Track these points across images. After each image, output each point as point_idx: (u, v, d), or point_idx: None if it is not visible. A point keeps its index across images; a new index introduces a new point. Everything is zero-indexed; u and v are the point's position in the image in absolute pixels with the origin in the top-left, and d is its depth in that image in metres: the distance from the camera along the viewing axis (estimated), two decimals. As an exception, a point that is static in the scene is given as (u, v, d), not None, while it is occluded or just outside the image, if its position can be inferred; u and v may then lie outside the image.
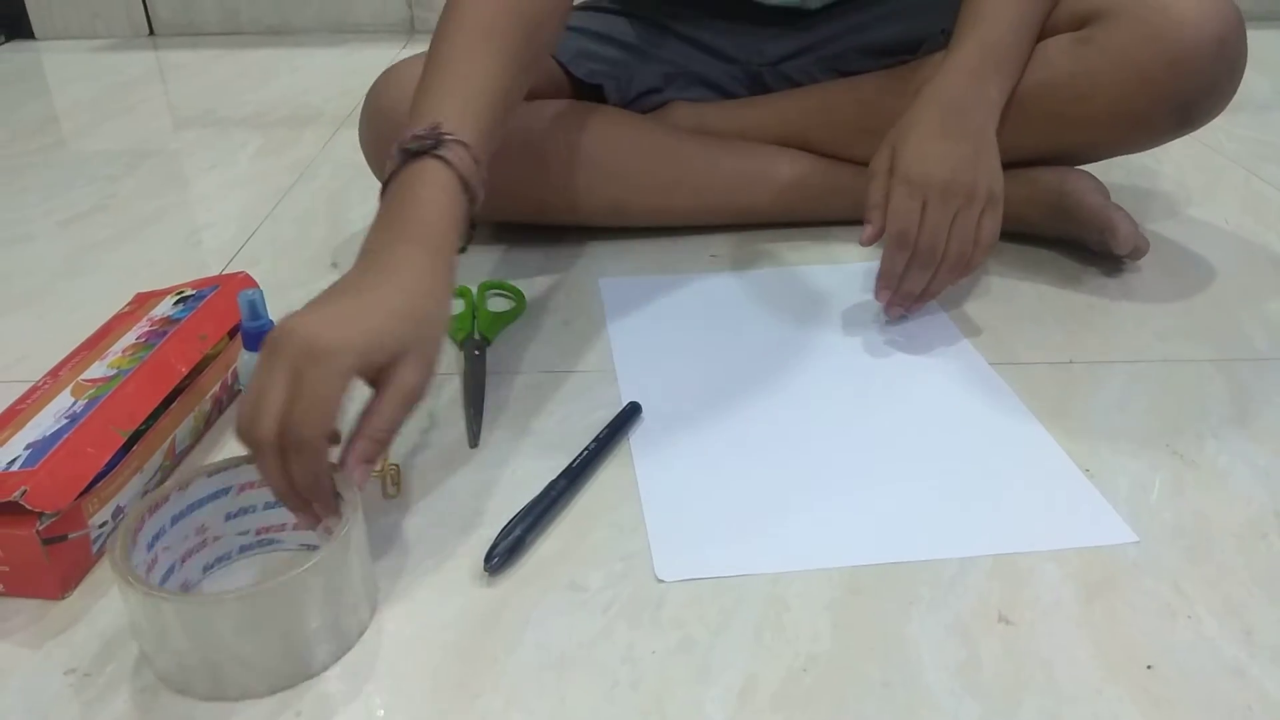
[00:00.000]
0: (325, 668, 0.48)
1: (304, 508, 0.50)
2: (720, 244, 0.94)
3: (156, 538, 0.50)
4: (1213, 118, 0.82)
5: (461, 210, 0.60)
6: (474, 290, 0.83)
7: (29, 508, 0.50)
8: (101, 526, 0.55)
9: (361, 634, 0.50)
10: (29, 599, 0.53)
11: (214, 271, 0.90)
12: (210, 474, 0.52)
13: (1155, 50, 0.77)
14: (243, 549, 0.55)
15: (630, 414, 0.67)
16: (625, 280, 0.87)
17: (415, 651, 0.49)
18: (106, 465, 0.55)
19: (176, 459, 0.63)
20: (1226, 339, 0.77)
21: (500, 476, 0.62)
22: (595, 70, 0.93)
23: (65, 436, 0.55)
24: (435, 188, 0.59)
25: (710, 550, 0.56)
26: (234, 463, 0.53)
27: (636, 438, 0.65)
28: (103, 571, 0.55)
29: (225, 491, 0.53)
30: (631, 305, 0.83)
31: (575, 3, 1.04)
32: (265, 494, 0.53)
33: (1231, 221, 0.99)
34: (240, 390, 0.70)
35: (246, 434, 0.48)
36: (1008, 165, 0.82)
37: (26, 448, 0.54)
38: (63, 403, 0.58)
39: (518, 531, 0.55)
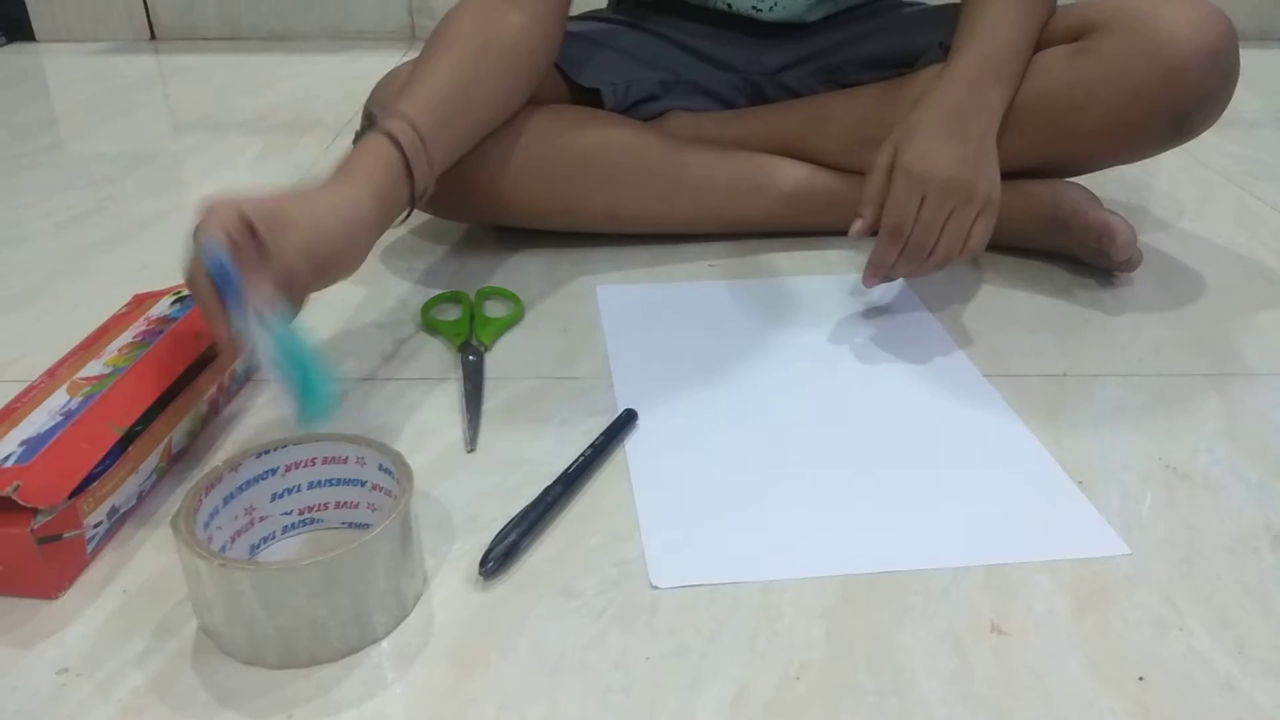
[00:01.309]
0: (388, 633, 0.50)
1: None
2: (718, 252, 0.94)
3: (211, 517, 0.51)
4: (1206, 128, 0.83)
5: (393, 168, 0.68)
6: (471, 295, 0.84)
7: (22, 503, 0.50)
8: (96, 526, 0.55)
9: (417, 601, 0.52)
10: (21, 599, 0.52)
11: (212, 274, 0.90)
12: (259, 455, 0.54)
13: (1150, 62, 0.78)
14: (286, 529, 0.56)
15: (626, 421, 0.67)
16: (622, 287, 0.88)
17: (408, 656, 0.49)
18: (101, 463, 0.55)
19: (173, 460, 0.63)
20: (1219, 353, 0.78)
21: (496, 482, 0.62)
22: (593, 75, 0.94)
23: (60, 433, 0.55)
24: (368, 151, 0.68)
25: (704, 557, 0.56)
26: (280, 443, 0.54)
27: (632, 444, 0.66)
28: (96, 571, 0.55)
29: (273, 472, 0.54)
30: (628, 312, 0.83)
31: (573, 13, 1.05)
32: (309, 474, 0.55)
33: (1224, 236, 1.00)
34: (240, 390, 0.71)
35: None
36: (1004, 175, 0.83)
37: (21, 444, 0.54)
38: (58, 400, 0.58)
39: (513, 537, 0.55)
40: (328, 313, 0.83)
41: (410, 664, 0.49)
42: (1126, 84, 0.80)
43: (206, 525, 0.50)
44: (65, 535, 0.53)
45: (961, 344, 0.78)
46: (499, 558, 0.54)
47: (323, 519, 0.57)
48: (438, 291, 0.85)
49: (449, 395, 0.71)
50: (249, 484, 0.53)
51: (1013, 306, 0.85)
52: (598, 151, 0.90)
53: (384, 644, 0.50)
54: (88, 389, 0.59)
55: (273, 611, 0.47)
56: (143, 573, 0.54)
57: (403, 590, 0.51)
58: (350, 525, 0.57)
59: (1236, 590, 0.54)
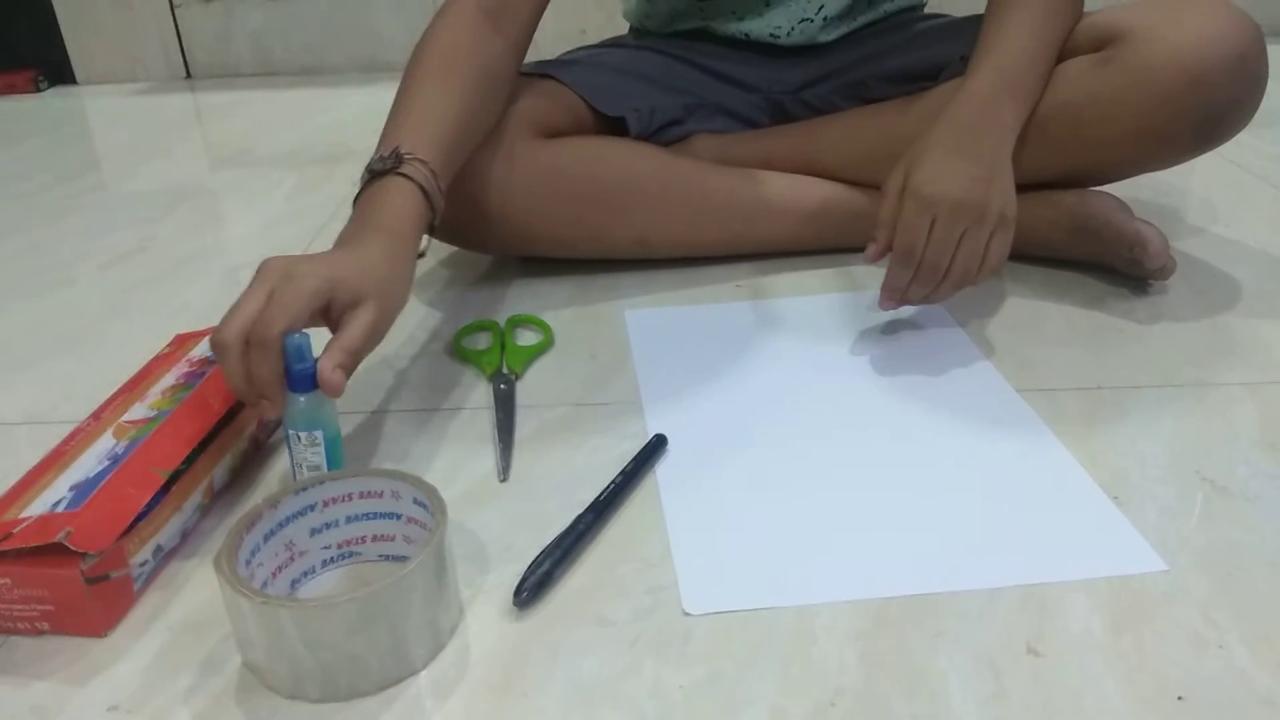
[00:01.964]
0: (425, 664, 0.51)
1: (256, 401, 0.59)
2: (745, 273, 0.95)
3: (253, 554, 0.52)
4: (1235, 134, 0.82)
5: (421, 214, 0.70)
6: (501, 324, 0.85)
7: (73, 549, 0.51)
8: (142, 565, 0.57)
9: (454, 631, 0.53)
10: (72, 638, 0.54)
11: (249, 310, 0.92)
12: (297, 491, 0.55)
13: (1176, 69, 0.78)
14: (325, 563, 0.58)
15: (656, 446, 0.67)
16: (651, 311, 0.88)
17: (446, 688, 0.50)
18: (147, 505, 0.56)
19: (214, 497, 0.64)
20: (1257, 361, 0.76)
21: (529, 511, 0.63)
22: (618, 104, 0.95)
23: (107, 478, 0.56)
24: (398, 195, 0.69)
25: (737, 583, 0.56)
26: (318, 479, 0.55)
27: (663, 470, 0.66)
28: (142, 609, 0.56)
29: (311, 508, 0.56)
30: (657, 337, 0.84)
31: (593, 41, 1.07)
32: (347, 508, 0.56)
33: (1260, 240, 0.98)
34: (278, 430, 0.72)
35: (219, 333, 0.58)
36: (1032, 186, 0.82)
37: (71, 489, 0.56)
38: (105, 444, 0.60)
39: (546, 566, 0.56)
40: (362, 345, 0.84)
41: (448, 695, 0.49)
42: (1152, 91, 0.79)
43: (248, 562, 0.52)
44: (113, 575, 0.54)
45: (992, 358, 0.78)
46: (533, 588, 0.55)
47: (360, 552, 0.58)
48: (468, 321, 0.87)
49: (481, 425, 0.72)
50: (288, 520, 0.55)
51: (1044, 319, 0.84)
52: (624, 180, 0.91)
53: (422, 676, 0.51)
54: (133, 433, 0.61)
55: (313, 647, 0.48)
56: (187, 610, 0.56)
57: (439, 622, 0.52)
58: (387, 558, 0.58)
59: (1276, 606, 0.53)
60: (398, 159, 0.70)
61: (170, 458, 0.60)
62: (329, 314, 0.61)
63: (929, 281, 0.75)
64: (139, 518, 0.56)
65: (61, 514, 0.53)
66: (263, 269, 0.60)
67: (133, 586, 0.56)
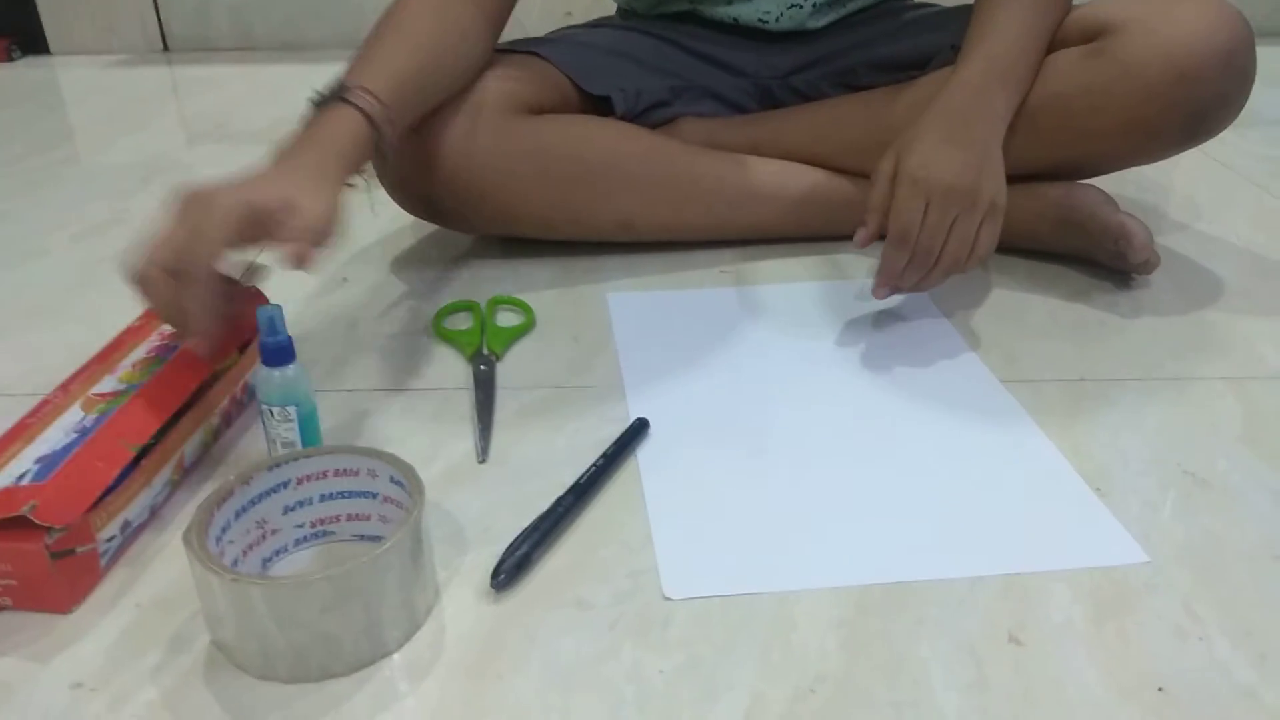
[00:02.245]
0: (400, 646, 0.50)
1: (189, 332, 0.59)
2: (729, 258, 0.94)
3: (224, 531, 0.51)
4: (1223, 129, 0.82)
5: (360, 135, 0.69)
6: (482, 305, 0.84)
7: (38, 523, 0.50)
8: (109, 541, 0.55)
9: (429, 613, 0.52)
10: (35, 614, 0.53)
11: (225, 286, 0.90)
12: (270, 468, 0.54)
13: (1165, 63, 0.78)
14: (298, 541, 0.56)
15: (638, 430, 0.67)
16: (634, 295, 0.87)
17: (420, 669, 0.49)
18: (115, 480, 0.55)
19: (185, 473, 0.63)
20: (1238, 356, 0.77)
21: (508, 492, 0.62)
22: (604, 83, 0.94)
23: (74, 451, 0.55)
24: (336, 117, 0.69)
25: (718, 568, 0.55)
26: (291, 456, 0.54)
27: (644, 454, 0.65)
28: (109, 586, 0.55)
29: (284, 485, 0.54)
30: (640, 320, 0.83)
31: (581, 21, 1.05)
32: (321, 486, 0.55)
33: (1243, 237, 0.98)
34: (252, 403, 0.70)
35: (141, 266, 0.57)
36: (1020, 177, 0.82)
37: (36, 462, 0.54)
38: (73, 417, 0.59)
39: (525, 548, 0.55)
40: (340, 323, 0.83)
41: (422, 677, 0.48)
42: (1140, 85, 0.79)
43: (219, 539, 0.50)
44: (78, 550, 0.53)
45: (977, 349, 0.78)
46: (511, 570, 0.54)
47: (334, 531, 0.57)
48: (449, 301, 0.85)
49: (461, 405, 0.71)
50: (261, 497, 0.54)
51: (1028, 310, 0.84)
52: (608, 161, 0.89)
53: (396, 657, 0.50)
54: (102, 405, 0.59)
55: (284, 626, 0.47)
56: (155, 587, 0.55)
57: (414, 603, 0.51)
58: (362, 537, 0.57)
59: (1257, 598, 0.53)
60: (342, 88, 0.70)
61: (140, 432, 0.58)
62: (257, 232, 0.59)
63: (922, 266, 0.75)
64: (107, 492, 0.54)
65: (26, 487, 0.52)
66: (181, 199, 0.59)
67: (99, 562, 0.55)
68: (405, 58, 0.77)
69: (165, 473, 0.60)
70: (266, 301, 0.66)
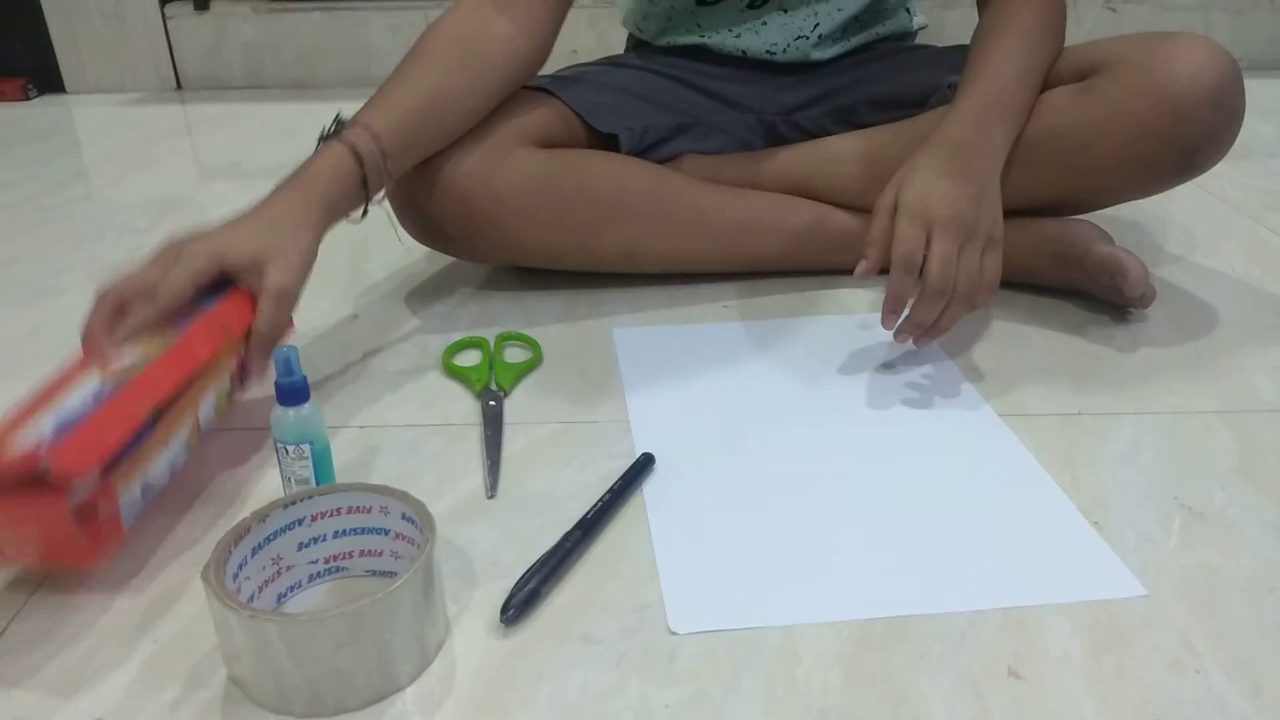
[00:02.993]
0: (411, 681, 0.51)
1: (102, 351, 0.63)
2: (733, 293, 0.96)
3: (240, 567, 0.52)
4: (1214, 164, 0.84)
5: (347, 173, 0.75)
6: (490, 341, 0.85)
7: (54, 479, 0.51)
8: (130, 502, 0.57)
9: (440, 648, 0.53)
10: (61, 651, 0.54)
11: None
12: (285, 505, 0.55)
13: (1156, 99, 0.79)
14: (312, 577, 0.58)
15: (643, 465, 0.68)
16: (639, 330, 0.89)
17: (432, 704, 0.50)
18: (134, 438, 0.56)
19: (202, 435, 0.65)
20: (1234, 390, 0.78)
21: (516, 528, 0.63)
22: (611, 120, 0.96)
23: (91, 412, 0.56)
24: (326, 156, 0.75)
25: (723, 602, 0.56)
26: (306, 494, 0.56)
27: (650, 488, 0.67)
28: (129, 620, 0.56)
29: (299, 522, 0.56)
30: (645, 355, 0.84)
31: (591, 59, 1.08)
32: (335, 523, 0.57)
33: (1238, 270, 1.00)
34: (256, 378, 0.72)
35: (107, 287, 0.65)
36: (1015, 212, 0.83)
37: (55, 429, 0.54)
38: (90, 385, 0.59)
39: (533, 584, 0.56)
40: (350, 358, 0.85)
41: (433, 712, 0.50)
42: (1133, 121, 0.81)
43: (235, 576, 0.52)
44: (101, 510, 0.55)
45: (976, 383, 0.79)
46: (520, 605, 0.55)
47: (347, 567, 0.58)
48: (458, 337, 0.87)
49: (470, 441, 0.73)
50: (276, 534, 0.55)
51: (1026, 345, 0.85)
52: (614, 193, 0.91)
53: (408, 692, 0.51)
54: (119, 373, 0.60)
55: (300, 661, 0.48)
56: (174, 623, 0.56)
57: (426, 639, 0.52)
58: (374, 573, 0.58)
59: (1253, 631, 0.54)
60: (340, 125, 0.77)
61: (155, 394, 0.59)
62: (232, 276, 0.67)
63: (939, 296, 0.75)
64: (125, 453, 0.56)
65: (40, 450, 0.52)
66: (163, 245, 0.67)
67: (121, 523, 0.57)
68: (415, 94, 0.81)
69: (182, 434, 0.62)
70: (248, 295, 0.69)
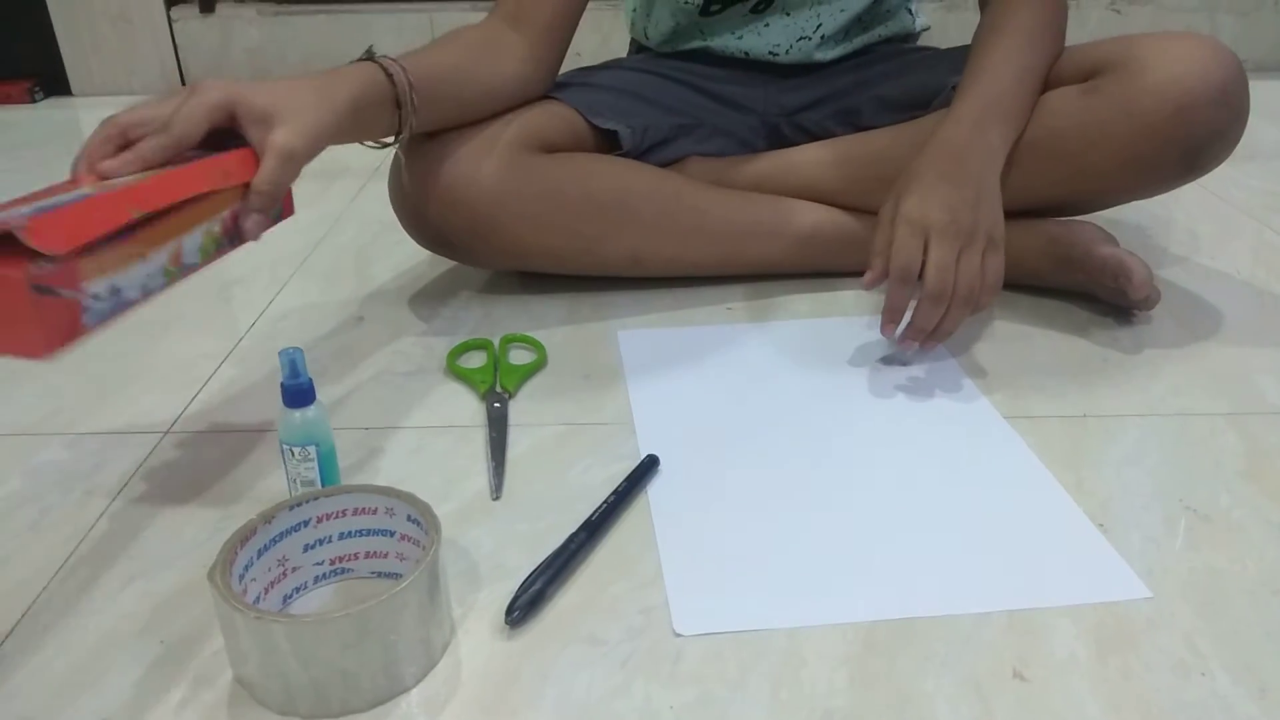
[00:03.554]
0: (417, 682, 0.51)
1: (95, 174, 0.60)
2: (737, 295, 0.96)
3: (246, 569, 0.52)
4: (1218, 164, 0.84)
5: (375, 82, 0.75)
6: (495, 343, 0.85)
7: (27, 242, 0.47)
8: (94, 298, 0.53)
9: (445, 650, 0.53)
10: (64, 644, 0.54)
11: (244, 327, 0.92)
12: (291, 507, 0.55)
13: (1159, 99, 0.80)
14: (318, 579, 0.58)
15: (648, 467, 0.68)
16: (643, 332, 0.89)
17: (437, 705, 0.50)
18: (112, 234, 0.53)
19: (183, 270, 0.61)
20: (1239, 392, 0.78)
21: (521, 530, 0.63)
22: (612, 119, 0.96)
23: (77, 202, 0.52)
24: (356, 67, 0.75)
25: (728, 604, 0.57)
26: (312, 495, 0.56)
27: (654, 491, 0.67)
28: (134, 622, 0.56)
29: (305, 523, 0.56)
30: (649, 358, 0.84)
31: (594, 61, 1.08)
32: (340, 525, 0.57)
33: (1243, 272, 1.00)
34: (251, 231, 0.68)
35: (117, 116, 0.62)
36: (1020, 213, 0.84)
37: (35, 208, 0.51)
38: (81, 190, 0.56)
39: (538, 585, 0.56)
40: (356, 361, 0.85)
41: (439, 714, 0.50)
42: (1137, 121, 0.81)
43: (241, 577, 0.52)
44: (62, 293, 0.51)
45: (980, 385, 0.79)
46: (524, 606, 0.55)
47: (353, 569, 0.58)
48: (463, 339, 0.87)
49: (475, 443, 0.73)
50: (282, 536, 0.55)
51: (1030, 347, 0.85)
52: (618, 196, 0.92)
53: (413, 693, 0.51)
54: (111, 183, 0.57)
55: (306, 662, 0.48)
56: (178, 624, 0.56)
57: (431, 640, 0.52)
58: (379, 575, 0.58)
59: (1259, 633, 0.54)
60: (370, 55, 0.76)
61: (145, 203, 0.56)
62: (237, 127, 0.64)
63: (938, 300, 0.75)
64: (101, 243, 0.52)
65: (20, 217, 0.49)
66: (188, 88, 0.64)
67: (81, 316, 0.52)
68: (439, 62, 0.83)
69: (162, 257, 0.58)
70: (253, 154, 0.65)
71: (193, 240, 0.61)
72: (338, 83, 0.71)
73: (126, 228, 0.54)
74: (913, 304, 0.77)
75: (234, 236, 0.66)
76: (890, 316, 0.78)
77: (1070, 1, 1.70)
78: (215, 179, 0.63)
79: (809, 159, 1.00)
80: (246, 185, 0.65)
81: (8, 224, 0.47)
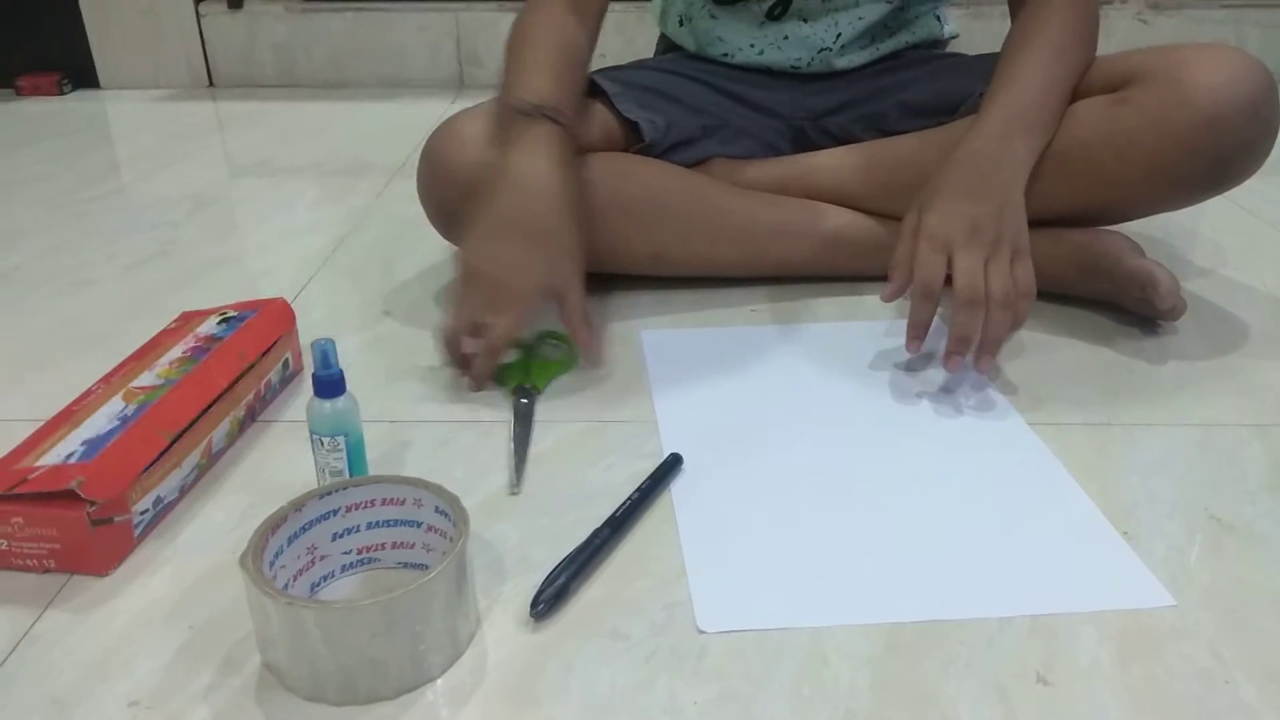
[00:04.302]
0: (443, 672, 0.52)
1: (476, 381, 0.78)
2: (760, 297, 0.96)
3: (276, 556, 0.53)
4: (1247, 176, 0.84)
5: (569, 149, 0.83)
6: (529, 339, 0.85)
7: (84, 496, 0.57)
8: (143, 513, 0.62)
9: (470, 641, 0.54)
10: (95, 634, 0.55)
11: (270, 317, 0.93)
12: (321, 496, 0.56)
13: (1190, 111, 0.79)
14: (345, 567, 0.59)
15: (671, 465, 0.68)
16: (667, 332, 0.90)
17: (463, 695, 0.51)
18: (151, 461, 0.61)
19: (213, 458, 0.69)
20: (1264, 403, 0.77)
21: (545, 524, 0.63)
22: (637, 111, 0.96)
23: (117, 436, 0.61)
24: (549, 139, 0.81)
25: (751, 602, 0.57)
26: (341, 485, 0.57)
27: (678, 489, 0.67)
28: (164, 607, 0.57)
29: (334, 512, 0.57)
30: (673, 358, 0.85)
31: (621, 61, 1.08)
32: (369, 514, 0.58)
33: (1269, 284, 0.99)
34: (273, 399, 0.78)
35: (450, 345, 0.78)
36: (1045, 223, 0.83)
37: (83, 444, 0.61)
38: (115, 406, 0.65)
39: (562, 579, 0.57)
40: (385, 356, 0.86)
41: (464, 703, 0.50)
42: (1167, 131, 0.81)
43: (271, 564, 0.52)
44: (116, 519, 0.59)
45: (1004, 392, 0.79)
46: (549, 599, 0.56)
47: (379, 559, 0.59)
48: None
49: (499, 437, 0.73)
50: (312, 524, 0.56)
51: (1056, 354, 0.85)
52: (647, 195, 0.92)
53: (439, 683, 0.51)
54: (141, 398, 0.66)
55: (335, 649, 0.48)
56: (207, 609, 0.57)
57: (458, 630, 0.52)
58: (406, 565, 0.59)
59: (1285, 644, 0.54)
60: (541, 106, 0.81)
61: (174, 422, 0.64)
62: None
63: (972, 305, 0.74)
64: (143, 471, 0.60)
65: (74, 465, 0.58)
66: (472, 280, 0.78)
67: (133, 531, 0.61)
68: (569, 71, 0.88)
69: (194, 457, 0.66)
70: (265, 319, 0.78)
71: (220, 430, 0.70)
72: (569, 205, 0.79)
73: (164, 449, 0.63)
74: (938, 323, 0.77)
75: (255, 415, 0.75)
76: (915, 332, 0.78)
77: (1097, 11, 1.70)
78: (234, 366, 0.71)
79: (833, 163, 1.00)
80: (266, 355, 0.75)
81: (67, 482, 0.57)
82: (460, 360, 0.78)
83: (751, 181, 1.00)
